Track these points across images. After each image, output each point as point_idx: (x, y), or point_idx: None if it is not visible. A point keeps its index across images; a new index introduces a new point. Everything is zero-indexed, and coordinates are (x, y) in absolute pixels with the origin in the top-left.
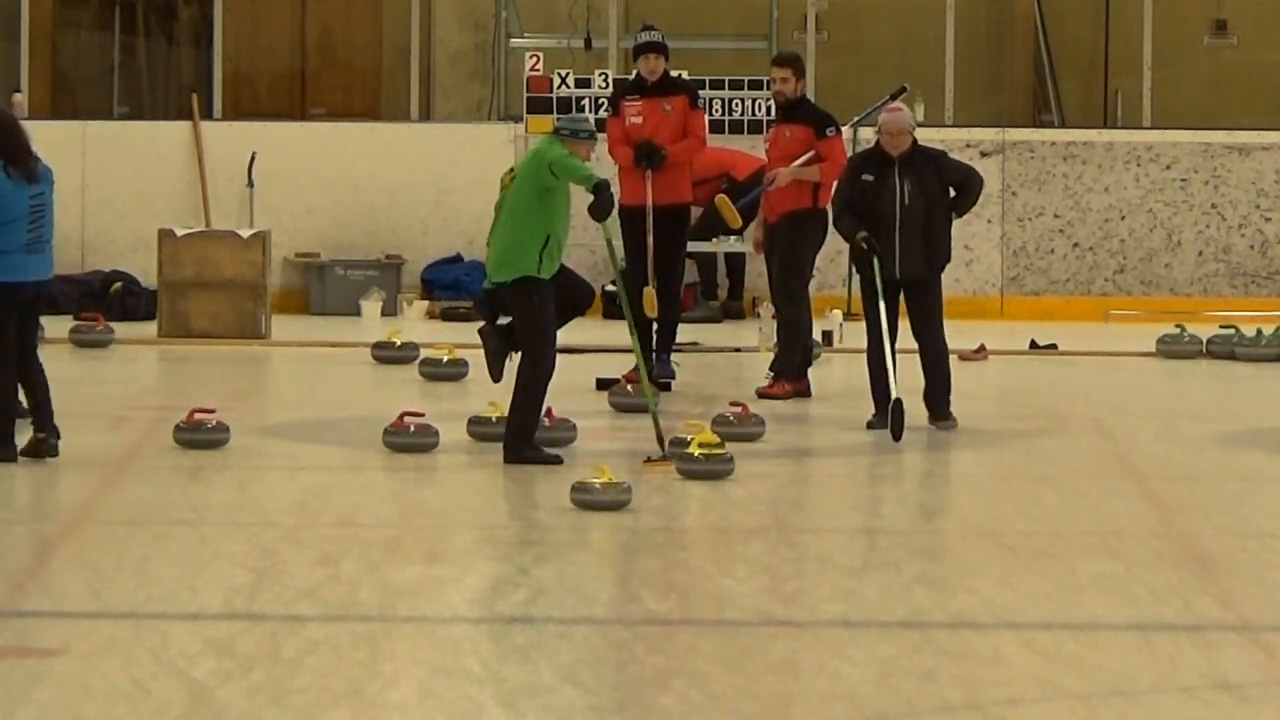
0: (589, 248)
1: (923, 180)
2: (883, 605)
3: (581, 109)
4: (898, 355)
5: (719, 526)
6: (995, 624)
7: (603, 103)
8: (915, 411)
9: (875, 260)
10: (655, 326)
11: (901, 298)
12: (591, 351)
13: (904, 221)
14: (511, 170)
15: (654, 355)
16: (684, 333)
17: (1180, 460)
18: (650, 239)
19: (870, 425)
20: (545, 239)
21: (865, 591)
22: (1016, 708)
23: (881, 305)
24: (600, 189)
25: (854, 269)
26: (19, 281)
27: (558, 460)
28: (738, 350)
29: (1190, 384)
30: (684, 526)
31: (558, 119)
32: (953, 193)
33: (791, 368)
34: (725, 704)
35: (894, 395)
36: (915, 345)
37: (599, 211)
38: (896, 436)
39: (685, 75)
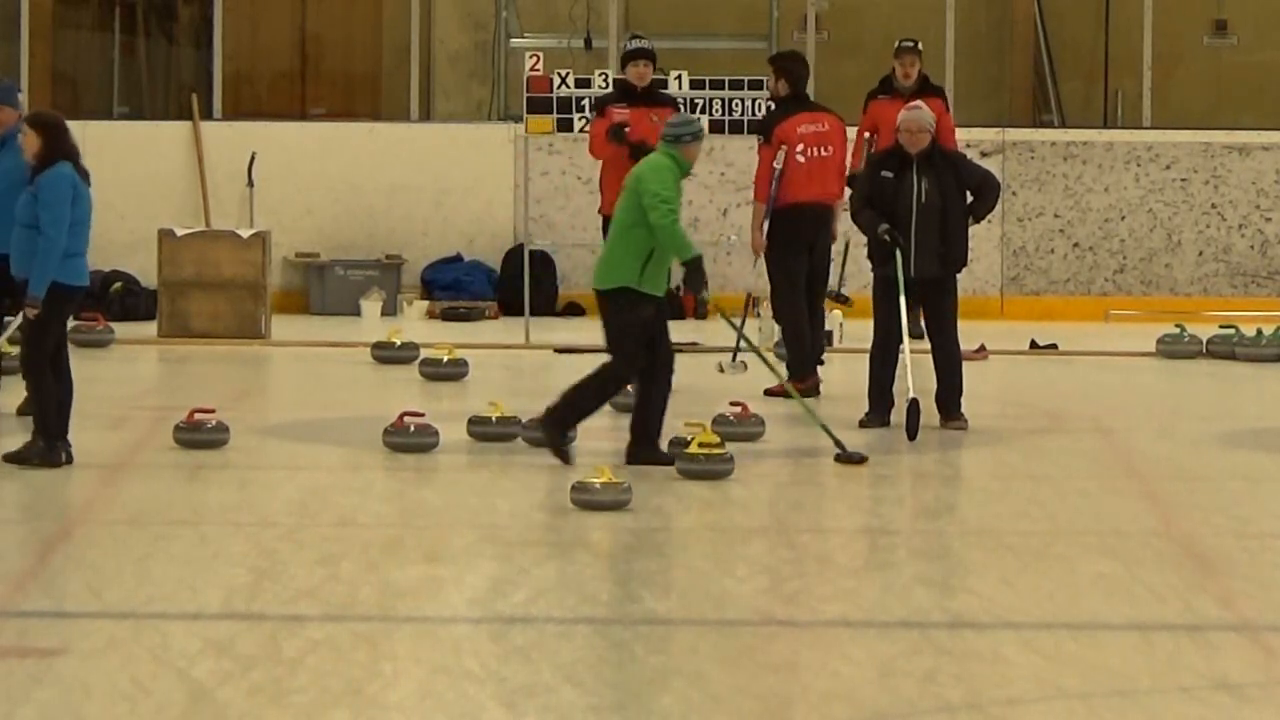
0: (589, 248)
1: (941, 180)
2: (883, 605)
3: (581, 109)
4: (910, 355)
5: (719, 526)
6: (995, 624)
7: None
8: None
9: (897, 254)
10: None
11: (915, 297)
12: (591, 352)
13: (920, 220)
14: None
15: None
16: (686, 332)
17: (1180, 460)
18: None
19: (863, 424)
20: (649, 252)
21: (865, 591)
22: (1016, 708)
23: (903, 302)
24: (693, 265)
25: (871, 264)
26: (80, 285)
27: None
28: (735, 347)
29: (1190, 384)
30: (684, 526)
31: (665, 125)
32: (970, 198)
33: (798, 366)
34: (725, 704)
35: (910, 394)
36: (927, 345)
37: (692, 286)
38: (912, 436)
39: (685, 75)
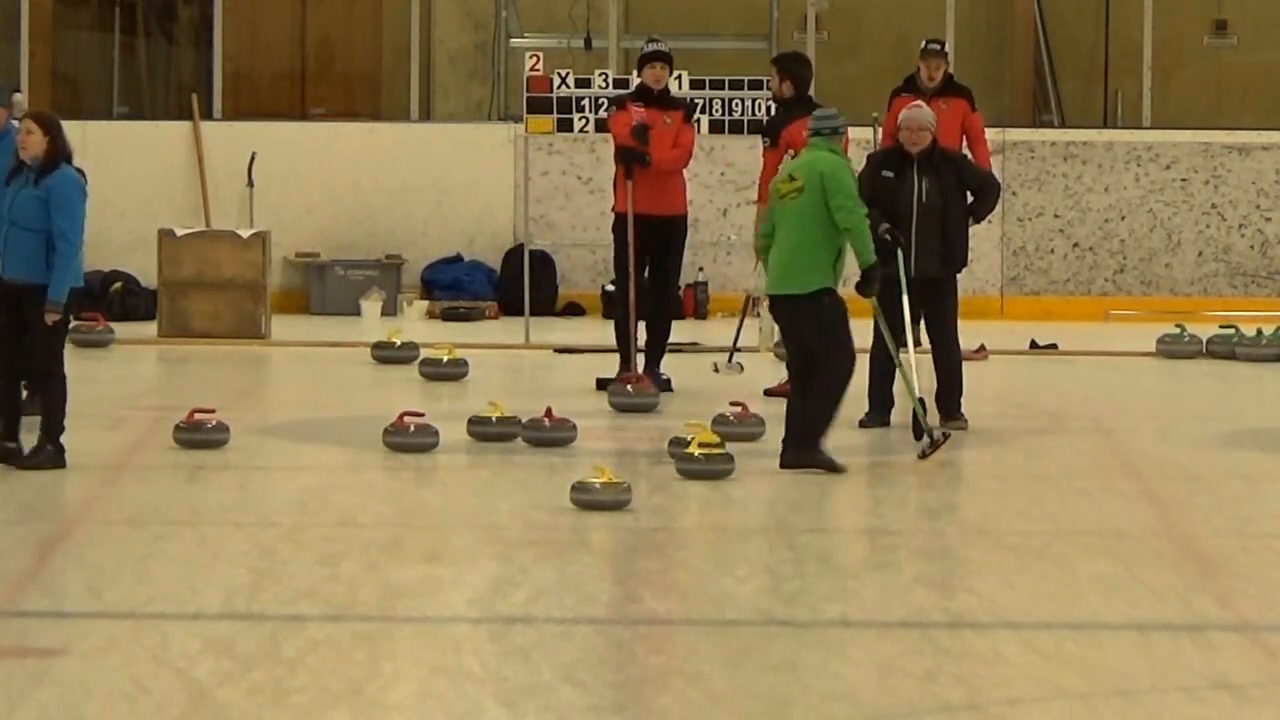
0: (589, 248)
1: (941, 180)
2: (883, 605)
3: (581, 109)
4: (912, 355)
5: (719, 526)
6: (995, 624)
7: (603, 103)
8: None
9: (898, 254)
10: (645, 337)
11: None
12: (591, 351)
13: (920, 219)
14: (792, 179)
15: (644, 364)
16: (686, 332)
17: (1180, 460)
18: (631, 250)
19: (863, 424)
20: (838, 251)
21: (865, 591)
22: (1016, 708)
23: (905, 302)
24: (873, 270)
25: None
26: (80, 286)
27: (841, 468)
28: (731, 347)
29: (1190, 384)
30: (684, 526)
31: (814, 119)
32: (970, 198)
33: None
34: (725, 704)
35: (916, 394)
36: (927, 345)
37: (867, 290)
38: (917, 436)
39: (685, 75)
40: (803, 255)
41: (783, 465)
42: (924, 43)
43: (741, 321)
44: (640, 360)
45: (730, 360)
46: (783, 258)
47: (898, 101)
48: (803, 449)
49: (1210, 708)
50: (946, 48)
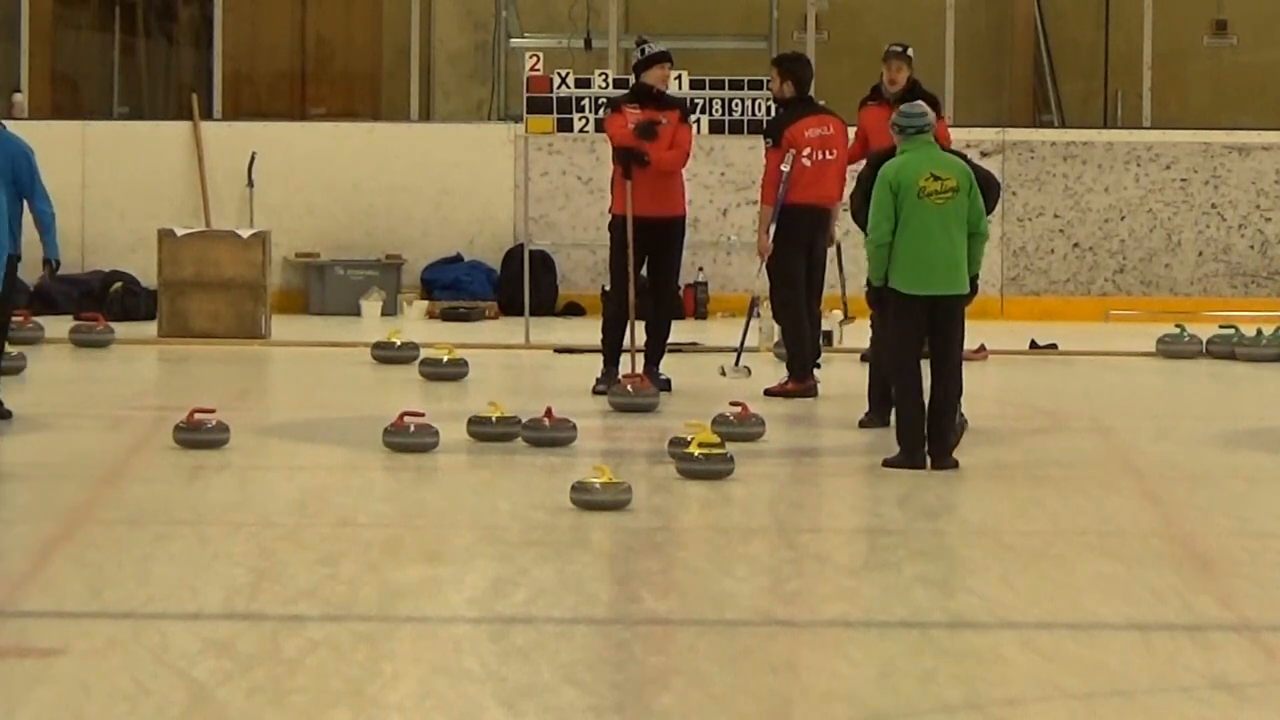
0: (589, 248)
1: None
2: (883, 605)
3: (581, 109)
4: None
5: (719, 526)
6: (995, 624)
7: (603, 103)
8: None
9: None
10: (645, 337)
11: None
12: (592, 351)
13: None
14: (938, 178)
15: (644, 364)
16: (686, 332)
17: (1180, 460)
18: (631, 250)
19: (862, 424)
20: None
21: (865, 591)
22: (1016, 708)
23: None
24: (976, 279)
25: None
26: None
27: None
28: (738, 350)
29: (1190, 384)
30: (684, 526)
31: (899, 119)
32: None
33: (795, 367)
34: (725, 704)
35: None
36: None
37: (970, 300)
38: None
39: (685, 75)
40: (961, 254)
41: (940, 468)
42: (888, 46)
43: (747, 324)
44: (640, 360)
45: (737, 364)
46: (948, 258)
47: (864, 111)
48: (949, 450)
49: (1210, 708)
50: (911, 51)
